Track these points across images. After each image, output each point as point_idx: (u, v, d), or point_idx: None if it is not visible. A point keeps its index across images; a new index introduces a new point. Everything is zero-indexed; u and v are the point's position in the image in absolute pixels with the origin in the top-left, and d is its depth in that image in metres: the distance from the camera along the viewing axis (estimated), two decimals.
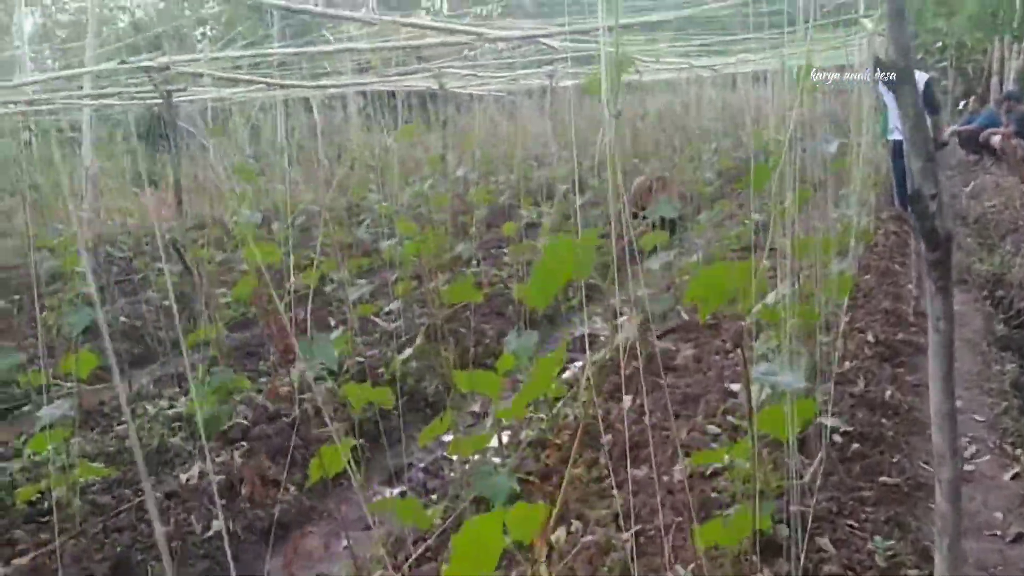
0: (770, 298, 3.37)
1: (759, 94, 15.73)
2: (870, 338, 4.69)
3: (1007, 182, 9.28)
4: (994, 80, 15.43)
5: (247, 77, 6.93)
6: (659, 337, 4.90)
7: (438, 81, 9.82)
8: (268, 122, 17.38)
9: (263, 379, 4.90)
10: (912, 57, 1.78)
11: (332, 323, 6.02)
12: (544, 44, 7.85)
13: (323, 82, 8.64)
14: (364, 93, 15.10)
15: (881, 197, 7.43)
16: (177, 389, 4.82)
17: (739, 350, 4.36)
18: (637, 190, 8.71)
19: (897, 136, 6.88)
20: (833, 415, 3.55)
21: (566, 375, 4.71)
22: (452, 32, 5.46)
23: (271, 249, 3.81)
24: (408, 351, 4.67)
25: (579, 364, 4.90)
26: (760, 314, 3.28)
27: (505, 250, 7.45)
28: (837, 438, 3.44)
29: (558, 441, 3.75)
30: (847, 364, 4.22)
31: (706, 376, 4.34)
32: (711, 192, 8.82)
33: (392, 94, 14.31)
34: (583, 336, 5.39)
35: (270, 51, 6.06)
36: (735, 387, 4.03)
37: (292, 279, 3.29)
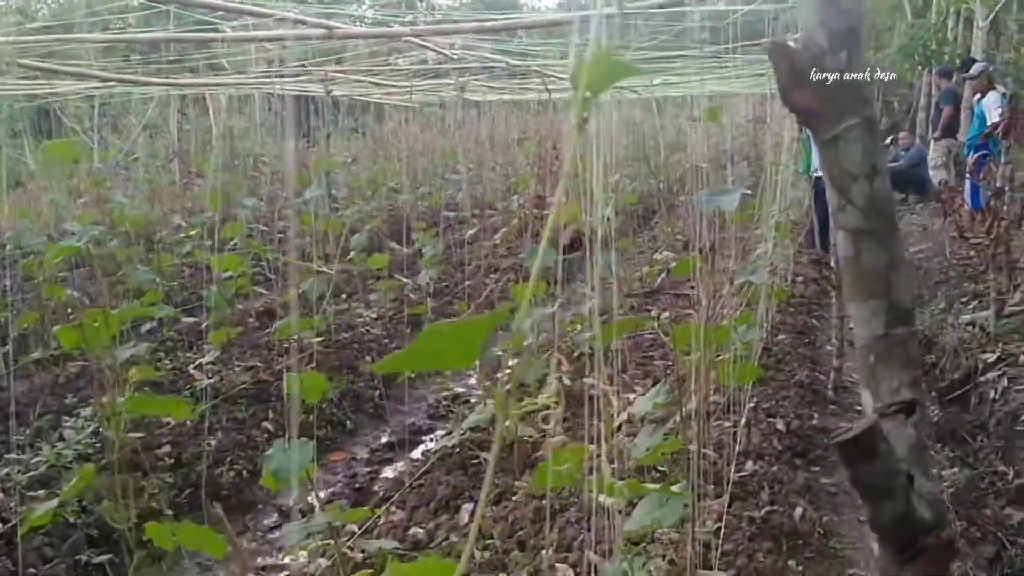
0: (639, 405, 2.47)
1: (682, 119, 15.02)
2: (780, 426, 3.82)
3: (935, 225, 8.65)
4: (920, 116, 15.03)
5: (70, 69, 5.75)
6: (525, 416, 3.94)
7: (324, 87, 8.78)
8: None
9: None
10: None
11: None
12: (435, 51, 6.90)
13: (183, 80, 7.52)
14: (279, 97, 13.89)
15: (800, 238, 6.62)
16: None
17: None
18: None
19: (820, 173, 6.05)
20: (725, 556, 2.65)
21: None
22: (295, 23, 4.46)
23: None
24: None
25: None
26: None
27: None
28: None
29: None
30: (749, 466, 3.34)
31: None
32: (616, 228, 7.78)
33: (307, 100, 13.13)
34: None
35: (81, 36, 4.93)
36: None
37: None
